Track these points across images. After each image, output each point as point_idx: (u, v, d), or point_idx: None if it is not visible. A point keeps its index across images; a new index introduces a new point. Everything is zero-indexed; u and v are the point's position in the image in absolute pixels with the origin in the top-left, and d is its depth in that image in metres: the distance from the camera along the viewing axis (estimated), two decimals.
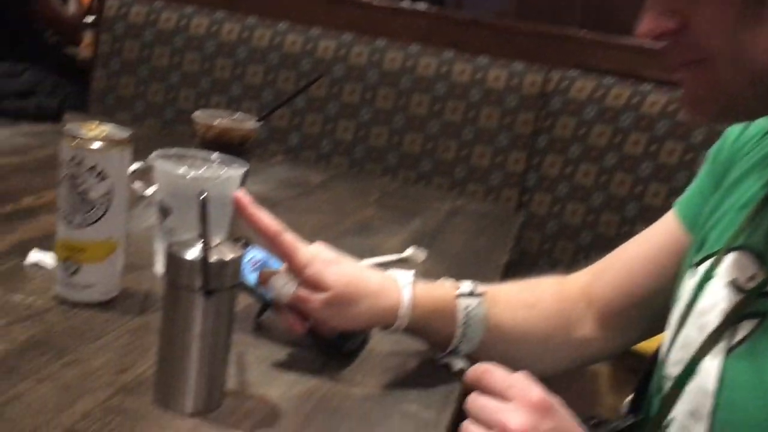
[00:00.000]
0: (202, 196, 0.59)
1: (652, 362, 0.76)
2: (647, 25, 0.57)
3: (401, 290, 0.70)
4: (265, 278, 0.70)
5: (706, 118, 0.65)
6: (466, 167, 1.77)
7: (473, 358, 0.74)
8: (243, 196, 0.69)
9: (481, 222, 1.32)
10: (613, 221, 1.66)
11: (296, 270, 0.68)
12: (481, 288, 0.74)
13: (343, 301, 0.68)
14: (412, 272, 0.72)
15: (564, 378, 1.30)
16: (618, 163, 1.65)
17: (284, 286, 0.68)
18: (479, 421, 0.58)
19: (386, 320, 0.70)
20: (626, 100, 1.66)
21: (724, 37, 0.54)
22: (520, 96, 1.73)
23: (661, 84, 1.66)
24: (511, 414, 0.56)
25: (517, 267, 1.80)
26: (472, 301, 0.72)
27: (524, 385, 0.58)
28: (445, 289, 0.74)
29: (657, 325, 0.78)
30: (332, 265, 0.69)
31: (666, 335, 0.71)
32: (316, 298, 0.67)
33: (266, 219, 0.69)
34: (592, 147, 1.68)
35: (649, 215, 1.61)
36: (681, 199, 0.79)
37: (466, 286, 0.74)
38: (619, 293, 0.79)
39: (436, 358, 0.75)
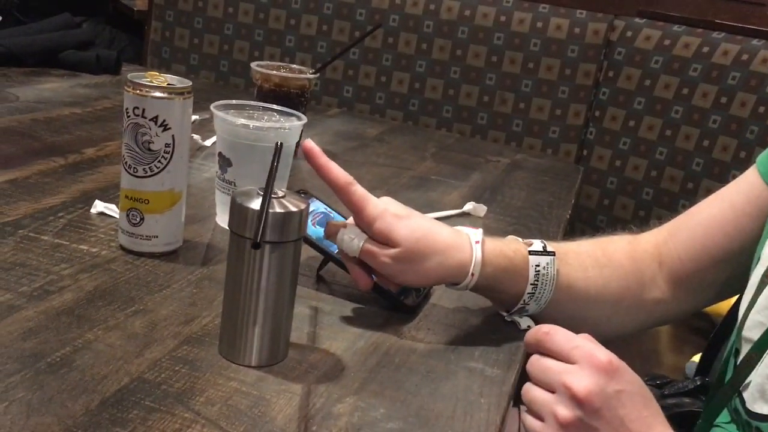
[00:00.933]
0: (278, 144, 0.58)
1: (727, 324, 0.73)
2: None
3: (472, 247, 0.68)
4: (331, 231, 0.69)
5: None
6: (523, 120, 1.72)
7: (541, 318, 0.73)
8: (313, 145, 0.67)
9: (541, 177, 1.29)
10: (677, 177, 1.60)
11: (365, 223, 0.67)
12: (553, 246, 0.72)
13: (413, 257, 0.66)
14: (480, 229, 0.70)
15: (624, 337, 1.27)
16: (685, 116, 1.58)
17: (353, 240, 0.67)
18: (541, 383, 0.56)
19: (456, 277, 0.68)
20: (695, 50, 1.58)
21: None
22: (581, 46, 1.67)
23: (734, 32, 1.57)
24: (576, 376, 0.54)
25: (576, 223, 1.76)
26: (543, 259, 0.70)
27: (589, 347, 0.56)
28: (515, 246, 0.71)
29: (732, 288, 0.75)
30: (402, 219, 0.67)
31: (744, 297, 0.68)
32: (386, 252, 0.66)
33: (337, 169, 0.67)
34: (658, 99, 1.61)
35: (716, 171, 1.54)
36: (762, 156, 0.74)
37: (538, 243, 0.71)
38: (694, 254, 0.76)
39: (504, 315, 0.73)
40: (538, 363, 0.57)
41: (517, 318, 0.73)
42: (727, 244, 0.74)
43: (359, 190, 0.67)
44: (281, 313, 0.59)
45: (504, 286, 0.70)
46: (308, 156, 0.67)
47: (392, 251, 0.66)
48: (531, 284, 0.69)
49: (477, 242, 0.68)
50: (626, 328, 0.79)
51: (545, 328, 0.59)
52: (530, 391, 0.57)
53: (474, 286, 0.69)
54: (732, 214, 0.74)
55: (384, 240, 0.66)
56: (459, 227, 0.71)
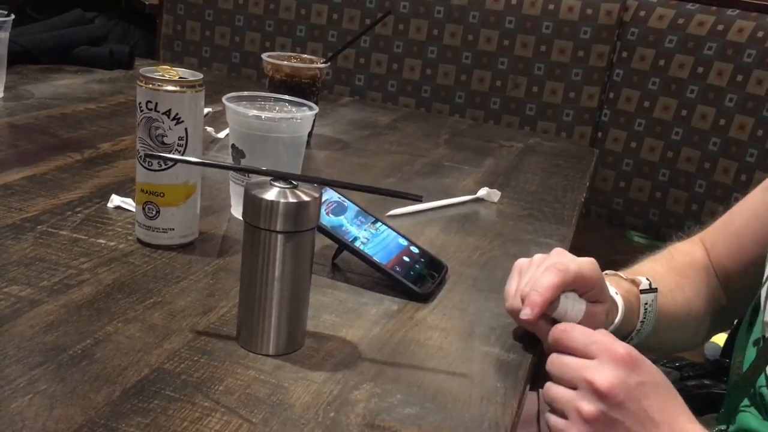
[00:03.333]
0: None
1: (752, 309, 0.73)
2: None
3: (618, 304, 0.68)
4: (552, 297, 0.62)
5: None
6: (537, 104, 1.71)
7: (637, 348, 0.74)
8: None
9: (555, 160, 1.28)
10: (694, 157, 1.59)
11: (587, 283, 0.63)
12: (654, 282, 0.73)
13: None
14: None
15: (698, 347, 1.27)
16: (700, 96, 1.57)
17: (574, 305, 0.63)
18: (563, 380, 0.56)
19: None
20: (710, 28, 1.56)
21: None
22: (594, 27, 1.65)
23: (749, 9, 1.55)
24: (597, 370, 0.54)
25: (591, 206, 1.75)
26: (650, 297, 0.72)
27: (607, 340, 0.56)
28: (627, 287, 0.72)
29: None
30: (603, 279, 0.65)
31: (766, 285, 0.68)
32: (600, 310, 0.64)
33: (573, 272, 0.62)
34: (673, 79, 1.60)
35: (733, 150, 1.53)
36: None
37: (645, 282, 0.72)
38: (734, 260, 0.79)
39: None
40: (558, 361, 0.58)
41: None
42: (759, 249, 0.76)
43: (574, 269, 0.63)
44: (297, 301, 0.60)
45: (623, 325, 0.70)
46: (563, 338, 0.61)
47: (602, 306, 0.65)
48: (641, 321, 0.71)
49: (617, 293, 0.69)
50: (703, 338, 0.83)
51: (561, 326, 0.59)
52: (551, 389, 0.57)
53: None
54: (757, 221, 0.77)
55: (595, 298, 0.64)
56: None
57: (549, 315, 0.62)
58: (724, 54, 1.54)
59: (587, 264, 0.63)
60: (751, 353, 0.68)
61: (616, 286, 0.70)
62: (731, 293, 0.81)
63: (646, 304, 0.71)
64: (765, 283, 0.68)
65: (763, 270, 0.72)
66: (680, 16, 1.60)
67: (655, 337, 0.74)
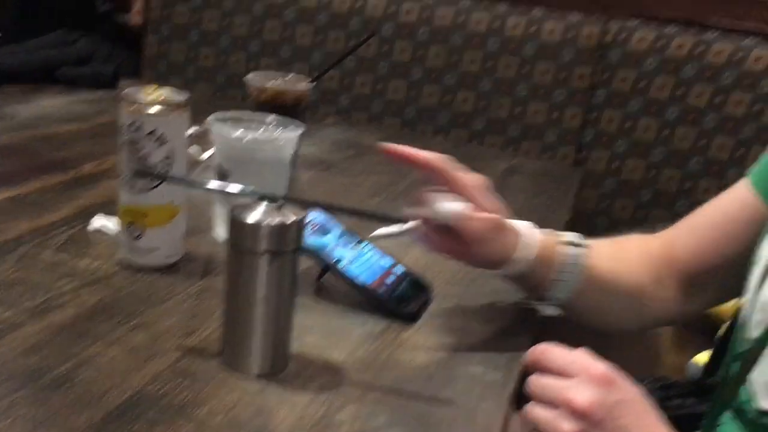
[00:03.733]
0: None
1: (732, 325, 0.74)
2: None
3: (533, 232, 0.71)
4: (425, 199, 0.70)
5: None
6: (520, 125, 1.73)
7: (568, 308, 0.76)
8: (389, 145, 0.68)
9: (539, 181, 1.29)
10: (675, 177, 1.60)
11: (470, 188, 0.69)
12: (585, 240, 0.75)
13: (500, 228, 0.69)
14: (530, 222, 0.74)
15: (625, 338, 1.28)
16: (680, 117, 1.59)
17: (452, 204, 0.68)
18: (543, 401, 0.56)
19: (504, 260, 0.71)
20: (689, 50, 1.59)
21: None
22: (576, 49, 1.68)
23: (727, 31, 1.58)
24: (576, 390, 0.55)
25: (575, 227, 1.76)
26: (574, 250, 0.73)
27: (586, 360, 0.57)
28: (548, 236, 0.74)
29: (728, 292, 0.78)
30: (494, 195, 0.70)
31: (745, 298, 0.69)
32: (485, 217, 0.68)
33: (425, 154, 0.69)
34: (653, 100, 1.62)
35: (714, 169, 1.55)
36: (755, 170, 0.77)
37: (572, 236, 0.74)
38: (697, 258, 0.79)
39: (527, 301, 0.76)
40: (537, 381, 0.58)
41: (541, 306, 0.75)
42: (722, 249, 0.77)
43: (457, 168, 0.69)
44: (281, 323, 0.60)
45: (535, 273, 0.72)
46: (392, 154, 0.69)
47: (491, 216, 0.68)
48: (559, 272, 0.72)
49: (523, 229, 0.71)
50: (644, 322, 0.82)
51: (540, 347, 0.60)
52: (533, 410, 0.57)
53: (516, 272, 0.71)
54: (723, 223, 0.77)
55: (483, 208, 0.68)
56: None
57: (431, 221, 0.68)
58: (703, 76, 1.56)
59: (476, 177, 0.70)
60: (735, 367, 0.69)
61: (534, 235, 0.73)
62: (688, 291, 0.80)
63: (567, 255, 0.72)
64: (750, 294, 0.69)
65: (734, 274, 0.73)
66: (660, 38, 1.62)
67: (586, 301, 0.75)
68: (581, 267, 0.73)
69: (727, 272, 0.76)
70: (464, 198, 0.69)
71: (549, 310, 0.75)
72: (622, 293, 0.78)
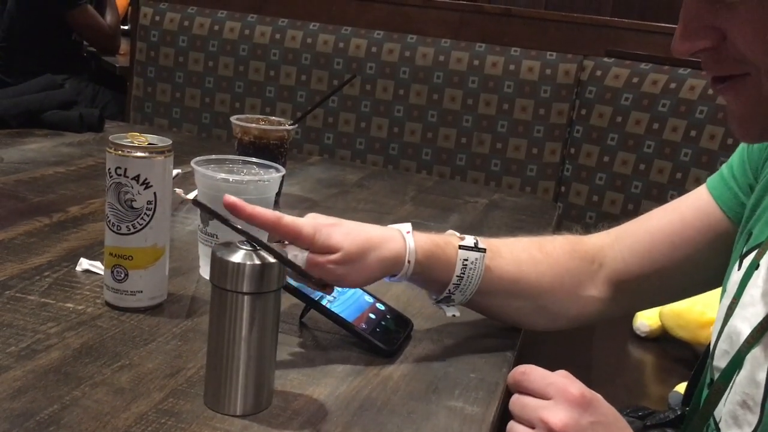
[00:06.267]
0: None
1: (706, 354, 0.75)
2: (683, 44, 0.54)
3: (404, 237, 0.73)
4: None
5: (752, 138, 0.63)
6: (501, 160, 1.76)
7: (470, 306, 0.78)
8: (234, 199, 0.67)
9: (520, 215, 1.32)
10: (653, 209, 1.64)
11: (306, 244, 0.69)
12: (485, 243, 0.76)
13: (354, 257, 0.70)
14: (409, 223, 0.75)
15: (608, 370, 1.29)
16: (657, 151, 1.63)
17: (296, 257, 0.69)
18: (522, 420, 0.59)
19: (395, 267, 0.72)
20: (663, 86, 1.63)
21: (766, 49, 0.51)
22: (554, 86, 1.72)
23: (699, 68, 1.63)
24: (552, 411, 0.57)
25: None
26: (473, 255, 0.74)
27: (563, 382, 0.59)
28: (448, 239, 0.76)
29: (667, 296, 0.83)
30: (336, 227, 0.71)
31: (713, 328, 0.71)
32: (329, 259, 0.69)
33: (263, 211, 0.68)
34: (630, 135, 1.66)
35: None
36: (712, 178, 0.79)
37: (470, 239, 0.76)
38: (639, 259, 0.80)
39: (432, 300, 0.78)
40: (518, 401, 0.61)
41: (444, 306, 0.77)
42: (671, 253, 0.78)
43: (288, 219, 0.69)
44: (264, 361, 0.61)
45: (434, 273, 0.74)
46: (234, 211, 0.67)
47: (334, 256, 0.69)
48: (457, 276, 0.74)
49: (408, 232, 0.73)
50: (557, 322, 0.83)
51: (522, 368, 0.62)
52: (513, 428, 0.60)
53: (411, 275, 0.73)
54: (680, 225, 0.78)
55: (326, 250, 0.69)
56: (390, 225, 0.76)
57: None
58: (677, 111, 1.61)
59: (311, 225, 0.69)
60: (705, 396, 0.71)
61: (431, 235, 0.75)
62: (622, 291, 0.81)
63: (466, 260, 0.74)
64: (717, 323, 0.71)
65: (673, 281, 0.76)
66: (635, 75, 1.67)
67: (490, 300, 0.77)
68: (478, 272, 0.74)
69: (671, 277, 0.78)
70: (303, 246, 0.69)
71: (450, 312, 0.77)
72: (534, 294, 0.79)
